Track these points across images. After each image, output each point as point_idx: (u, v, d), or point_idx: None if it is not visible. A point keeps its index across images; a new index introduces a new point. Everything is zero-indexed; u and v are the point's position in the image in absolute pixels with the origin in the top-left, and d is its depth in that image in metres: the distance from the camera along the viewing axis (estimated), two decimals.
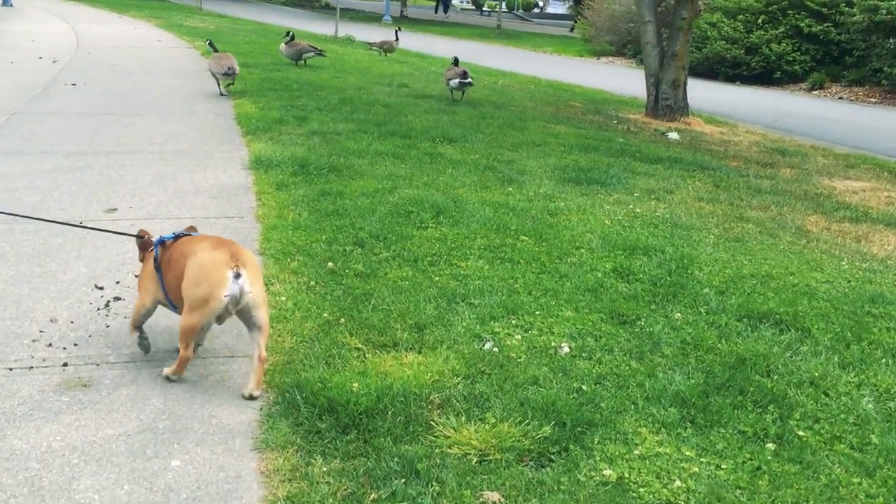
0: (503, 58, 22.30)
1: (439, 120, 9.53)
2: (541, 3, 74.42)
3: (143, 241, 3.45)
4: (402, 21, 39.12)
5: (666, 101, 11.27)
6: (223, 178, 6.51)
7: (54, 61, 13.08)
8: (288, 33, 13.98)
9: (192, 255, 3.08)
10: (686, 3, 10.85)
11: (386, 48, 17.53)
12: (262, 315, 3.07)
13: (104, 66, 12.91)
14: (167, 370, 3.23)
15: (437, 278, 4.43)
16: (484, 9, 67.60)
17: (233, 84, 10.84)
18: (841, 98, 18.50)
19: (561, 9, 64.99)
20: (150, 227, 5.08)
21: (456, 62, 11.74)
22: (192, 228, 3.55)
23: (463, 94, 11.40)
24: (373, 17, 38.42)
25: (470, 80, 11.29)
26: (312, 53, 13.88)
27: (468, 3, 79.51)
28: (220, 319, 3.11)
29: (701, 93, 17.10)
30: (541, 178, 6.88)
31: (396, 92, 11.74)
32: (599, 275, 4.57)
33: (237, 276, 2.95)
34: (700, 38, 21.47)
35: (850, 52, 19.76)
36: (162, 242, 3.33)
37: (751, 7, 21.19)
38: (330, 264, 4.53)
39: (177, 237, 3.35)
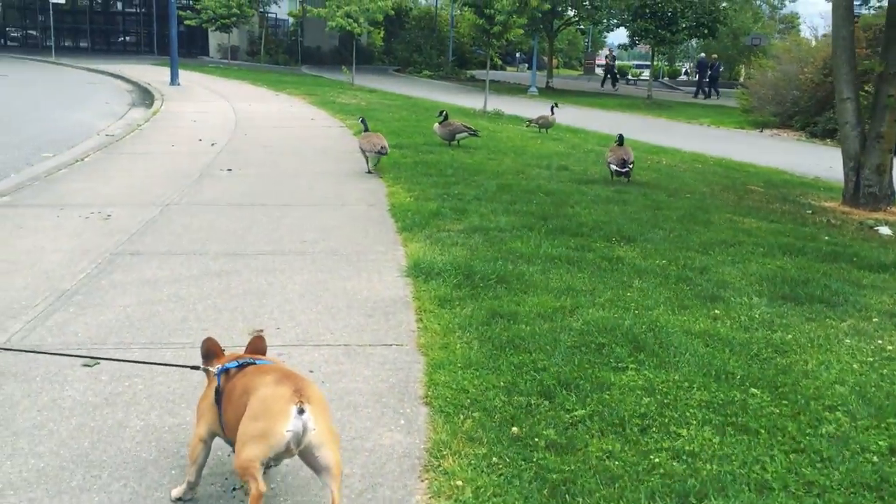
0: (658, 131, 21.17)
1: (610, 212, 8.55)
2: (688, 71, 72.64)
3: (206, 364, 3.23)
4: (547, 92, 38.73)
5: (869, 189, 9.84)
6: (379, 288, 5.75)
7: (213, 144, 13.06)
8: (441, 113, 13.48)
9: (254, 390, 2.85)
10: (893, 79, 9.48)
11: (542, 123, 16.81)
12: (330, 454, 2.77)
13: (258, 149, 12.75)
14: None
15: (653, 456, 3.40)
16: (628, 77, 66.77)
17: (378, 163, 10.85)
18: None
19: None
20: (299, 356, 4.35)
21: (620, 141, 10.82)
22: (259, 338, 3.31)
23: (628, 179, 10.45)
24: (518, 89, 38.19)
25: (627, 169, 10.31)
26: (466, 134, 13.29)
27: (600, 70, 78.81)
28: (277, 459, 2.82)
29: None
30: (748, 295, 5.74)
31: (556, 176, 10.87)
32: (875, 459, 3.40)
33: (301, 411, 2.72)
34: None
35: None
36: (226, 371, 3.09)
37: None
38: (515, 429, 3.59)
39: (241, 366, 3.08)
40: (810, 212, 9.66)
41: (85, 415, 3.76)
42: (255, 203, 8.63)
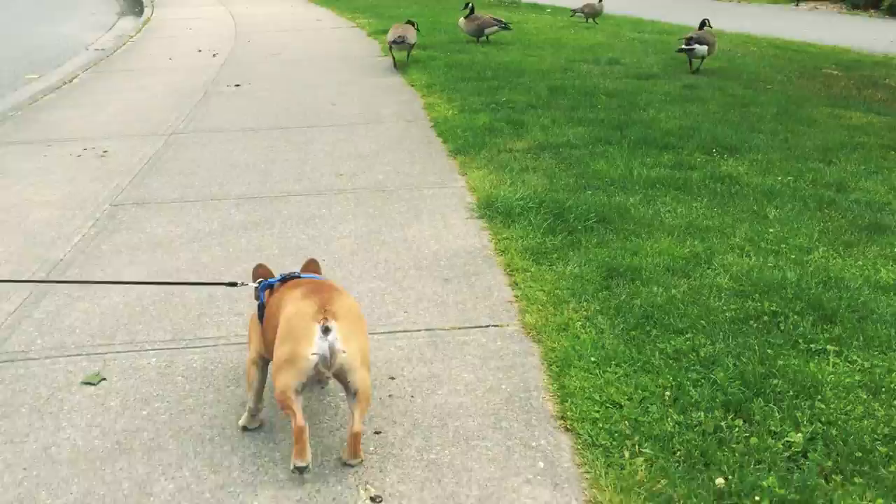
0: (691, 10, 19.33)
1: (690, 113, 7.21)
2: None
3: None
4: None
5: None
6: (448, 238, 4.53)
7: (214, 55, 11.58)
8: (466, 5, 11.87)
9: (283, 308, 2.60)
10: None
11: (588, 12, 15.09)
12: (358, 380, 2.49)
13: (267, 59, 11.27)
14: (293, 460, 2.51)
15: None
16: None
17: (406, 57, 10.10)
18: None
19: None
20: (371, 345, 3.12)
21: (701, 25, 9.46)
22: (313, 263, 3.03)
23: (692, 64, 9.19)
24: None
25: (693, 46, 8.97)
26: (496, 28, 11.72)
27: None
28: (320, 383, 2.81)
29: None
30: None
31: (610, 72, 9.43)
32: None
33: (326, 330, 2.42)
34: None
35: None
36: (269, 286, 2.85)
37: None
38: (719, 480, 2.43)
39: (284, 280, 2.83)
40: None
41: (89, 475, 2.62)
42: (273, 126, 7.30)
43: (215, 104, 8.28)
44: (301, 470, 2.49)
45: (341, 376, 2.50)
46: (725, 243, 4.19)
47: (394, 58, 10.15)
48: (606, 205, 4.76)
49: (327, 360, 2.43)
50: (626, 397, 2.87)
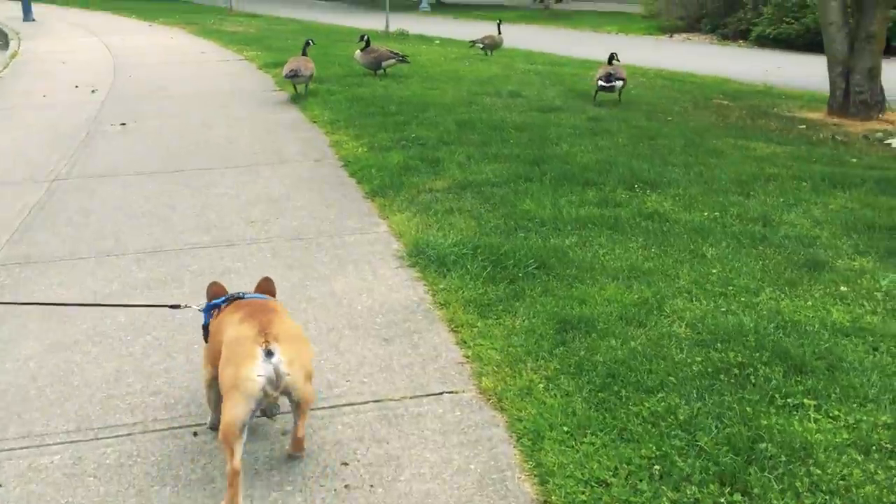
0: (570, 42, 19.78)
1: (602, 147, 7.13)
2: None
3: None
4: (439, 8, 36.65)
5: (860, 95, 8.75)
6: (381, 291, 4.18)
7: (93, 91, 10.82)
8: (362, 37, 11.59)
9: (224, 331, 2.60)
10: None
11: (488, 44, 15.05)
12: (305, 392, 2.55)
13: (152, 94, 10.61)
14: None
15: None
16: None
17: (304, 90, 9.95)
18: None
19: None
20: (311, 431, 2.75)
21: (611, 59, 9.67)
22: (267, 279, 3.02)
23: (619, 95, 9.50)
24: (407, 5, 35.85)
25: (613, 83, 9.02)
26: (394, 60, 11.47)
27: None
28: (266, 411, 2.75)
29: (817, 70, 14.51)
30: (848, 254, 4.47)
31: (513, 105, 9.32)
32: None
33: (268, 353, 2.42)
34: (796, 6, 18.80)
35: None
36: (215, 307, 2.84)
37: None
38: None
39: (229, 300, 2.80)
40: (803, 126, 8.52)
41: None
42: (168, 168, 6.76)
43: (100, 145, 7.64)
44: None
45: (286, 394, 2.54)
46: (672, 287, 4.02)
47: (295, 89, 9.86)
48: (543, 248, 4.52)
49: (273, 381, 2.44)
50: (612, 473, 2.60)
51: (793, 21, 18.91)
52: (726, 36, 21.99)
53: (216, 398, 2.72)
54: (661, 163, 6.53)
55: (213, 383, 2.74)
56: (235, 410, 2.41)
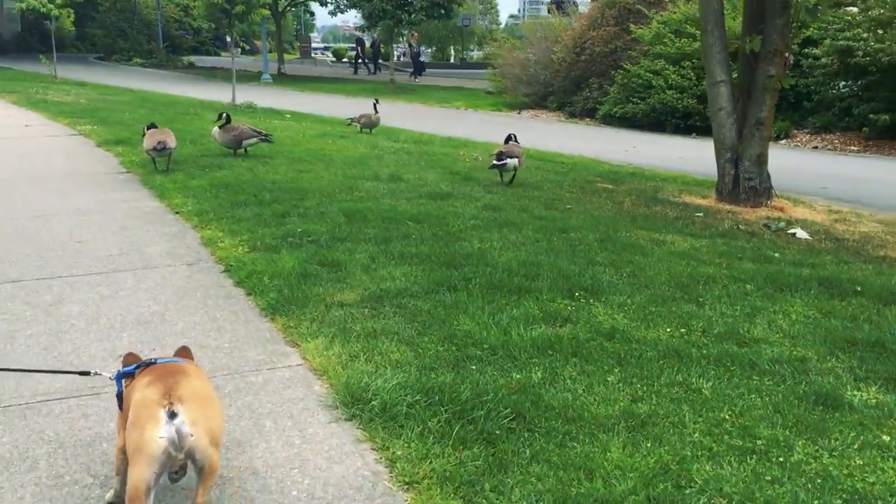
0: (422, 118, 19.46)
1: (513, 241, 6.46)
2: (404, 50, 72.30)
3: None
4: (281, 79, 35.81)
5: (749, 182, 8.65)
6: (318, 463, 3.17)
7: None
8: (221, 115, 10.48)
9: (132, 395, 2.60)
10: (773, 58, 8.29)
11: (365, 123, 14.28)
12: (208, 458, 2.49)
13: None
14: None
15: None
16: (343, 60, 64.35)
17: (166, 162, 9.42)
18: (816, 148, 16.69)
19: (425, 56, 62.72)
20: None
21: (508, 139, 9.56)
22: (185, 349, 3.01)
23: (503, 177, 9.34)
24: (248, 76, 34.69)
25: (505, 161, 8.64)
26: (256, 140, 10.42)
27: (324, 54, 76.18)
28: (172, 476, 2.69)
29: (673, 150, 14.86)
30: (853, 385, 3.92)
31: (398, 191, 8.54)
32: None
33: (172, 415, 2.40)
34: (641, 87, 19.44)
35: (808, 97, 18.15)
36: (127, 374, 2.79)
37: (696, 53, 19.26)
38: None
39: (140, 367, 2.77)
40: (700, 214, 8.25)
41: None
42: (1, 280, 5.40)
43: None
44: None
45: (190, 456, 2.47)
46: (685, 442, 3.27)
47: (154, 164, 9.24)
48: (509, 390, 3.67)
49: (175, 443, 2.40)
50: None
51: (639, 101, 19.48)
52: (573, 114, 22.47)
53: (125, 467, 2.57)
54: (587, 262, 5.90)
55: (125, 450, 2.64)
56: (140, 474, 2.39)
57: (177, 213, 7.35)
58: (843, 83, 17.06)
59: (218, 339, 4.42)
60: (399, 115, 20.31)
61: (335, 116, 18.70)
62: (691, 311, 4.89)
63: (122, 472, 2.67)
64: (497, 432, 3.29)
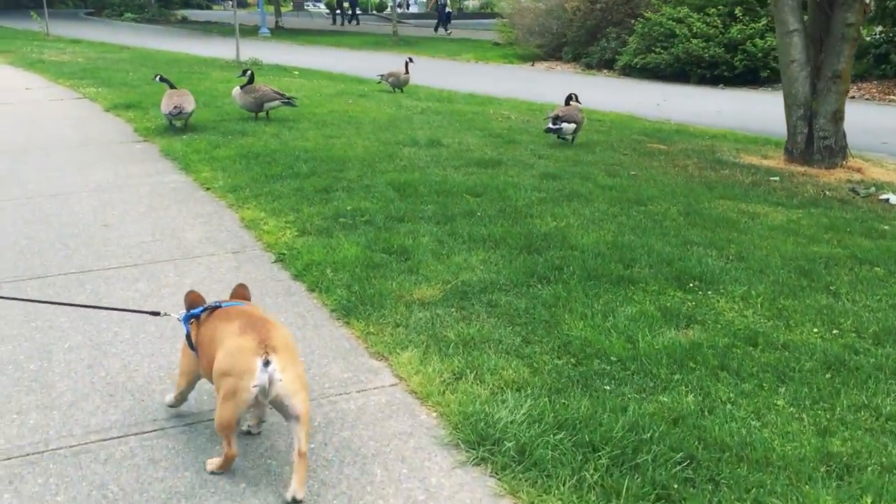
0: (437, 72, 18.51)
1: (589, 218, 5.77)
2: (398, 2, 70.29)
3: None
4: (279, 32, 34.64)
5: (825, 141, 7.92)
6: None
7: None
8: (245, 72, 9.66)
9: (220, 341, 2.71)
10: (852, 3, 7.49)
11: (393, 82, 13.44)
12: (299, 403, 2.61)
13: None
14: (211, 463, 2.78)
15: None
16: (337, 12, 62.39)
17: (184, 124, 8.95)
18: (853, 97, 15.84)
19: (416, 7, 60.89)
20: None
21: (569, 100, 8.90)
22: (242, 286, 3.16)
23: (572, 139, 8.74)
24: (244, 30, 33.46)
25: (560, 126, 8.40)
26: (278, 102, 9.62)
27: (316, 5, 74.13)
28: (254, 410, 2.86)
29: (706, 103, 14.01)
30: None
31: (444, 158, 7.80)
32: None
33: (266, 363, 2.56)
34: (663, 36, 18.51)
35: None
36: (194, 318, 2.93)
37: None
38: None
39: (211, 309, 2.92)
40: (776, 179, 7.53)
41: None
42: (18, 275, 4.69)
43: None
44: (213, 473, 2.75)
45: (279, 403, 2.61)
46: None
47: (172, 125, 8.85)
48: (663, 419, 3.01)
49: (266, 389, 2.56)
50: None
51: (661, 51, 18.59)
52: (590, 65, 21.56)
53: (187, 391, 3.05)
54: (682, 242, 5.21)
55: (188, 390, 3.05)
56: (231, 412, 2.60)
57: (207, 188, 6.61)
58: (879, 28, 16.21)
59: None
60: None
61: (345, 73, 17.82)
62: (828, 303, 4.21)
63: (183, 389, 3.05)
64: (674, 486, 2.63)
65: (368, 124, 9.68)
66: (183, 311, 2.99)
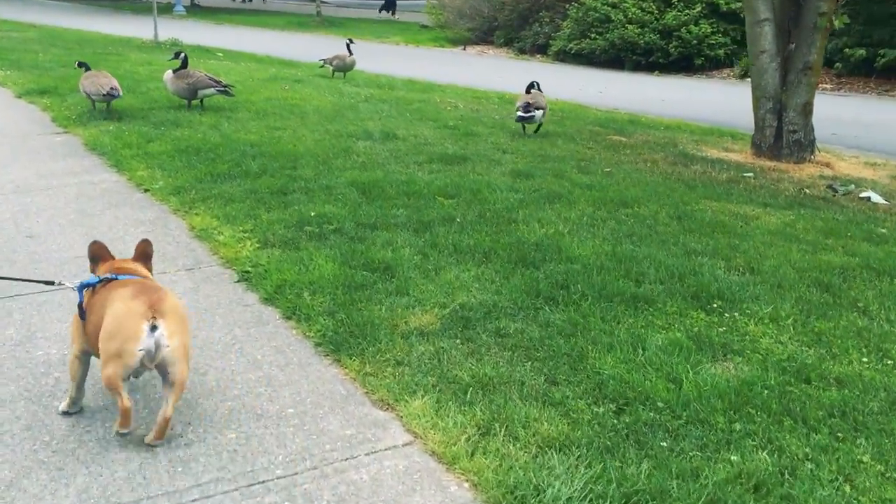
0: (369, 56, 17.58)
1: (572, 221, 5.30)
2: None
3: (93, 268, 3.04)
4: (195, 11, 33.14)
5: (794, 135, 7.65)
6: None
7: None
8: (179, 54, 8.78)
9: (109, 305, 2.71)
10: None
11: (337, 66, 12.63)
12: (179, 371, 2.71)
13: None
14: (115, 425, 2.77)
15: None
16: None
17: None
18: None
19: None
20: None
21: (528, 88, 8.42)
22: (146, 241, 3.20)
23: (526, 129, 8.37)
24: (161, 8, 31.74)
25: (532, 114, 8.08)
26: (213, 91, 8.79)
27: None
28: (137, 373, 2.75)
29: (646, 91, 13.82)
30: None
31: (403, 153, 7.20)
32: None
33: (153, 328, 2.63)
34: (598, 21, 18.23)
35: None
36: (87, 286, 2.88)
37: None
38: None
39: (105, 281, 2.86)
40: (750, 175, 7.21)
41: None
42: None
43: None
44: (123, 435, 2.75)
45: (163, 368, 2.68)
46: None
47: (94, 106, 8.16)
48: (741, 487, 2.54)
49: (153, 353, 2.63)
50: None
51: (596, 37, 18.30)
52: (523, 50, 21.17)
53: (82, 374, 2.89)
54: (684, 252, 4.78)
55: (84, 357, 2.88)
56: (115, 372, 2.63)
57: (146, 190, 5.86)
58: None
59: (273, 397, 3.12)
60: (330, 49, 18.65)
61: (272, 55, 16.89)
62: (865, 325, 3.84)
63: (79, 380, 2.89)
64: None
65: (313, 114, 8.97)
66: (78, 281, 2.96)
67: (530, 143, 8.01)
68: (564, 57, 19.58)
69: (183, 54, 8.72)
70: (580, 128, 9.37)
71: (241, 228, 4.97)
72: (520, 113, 8.08)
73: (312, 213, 5.20)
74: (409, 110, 9.74)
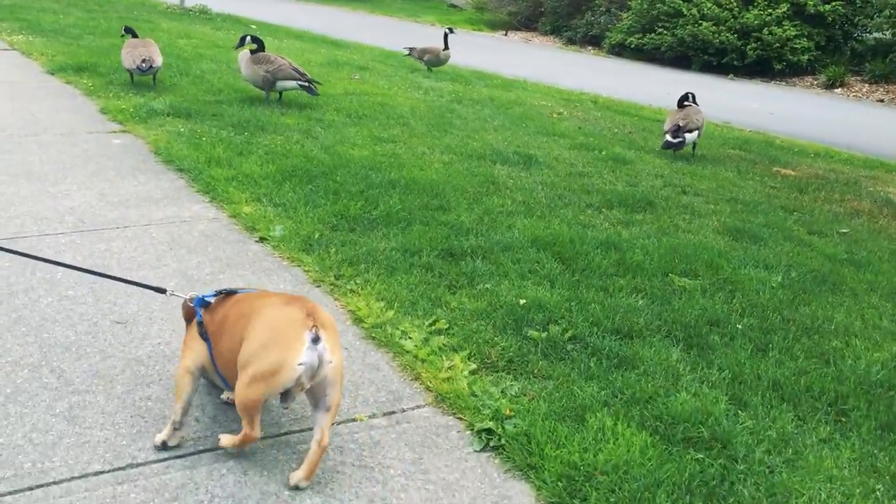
0: (407, 37, 15.97)
1: (884, 330, 3.67)
2: None
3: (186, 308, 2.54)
4: None
5: None
6: None
7: None
8: (247, 38, 7.01)
9: (256, 313, 2.26)
10: None
11: (428, 61, 10.77)
12: (336, 394, 2.24)
13: None
14: (225, 439, 2.33)
15: None
16: None
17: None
18: (882, 101, 14.37)
19: None
20: None
21: (683, 100, 7.04)
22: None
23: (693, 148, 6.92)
24: None
25: (680, 139, 6.75)
26: (295, 84, 7.03)
27: None
28: (285, 396, 2.22)
29: (739, 99, 11.96)
30: None
31: (561, 188, 5.56)
32: None
33: (315, 339, 2.14)
34: (667, 15, 16.53)
35: (859, 40, 15.77)
36: (205, 304, 2.46)
37: None
38: None
39: (225, 294, 2.47)
40: None
41: None
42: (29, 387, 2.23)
43: None
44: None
45: (320, 389, 2.22)
46: None
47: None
48: None
49: (314, 370, 2.16)
50: None
51: (664, 32, 16.60)
52: (573, 40, 19.42)
53: (191, 392, 2.39)
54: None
55: (196, 372, 2.41)
56: (260, 392, 2.17)
57: (261, 238, 4.15)
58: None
59: None
60: (371, 29, 16.84)
61: (311, 31, 15.04)
62: None
63: (186, 398, 2.37)
64: None
65: (412, 118, 7.27)
66: (192, 294, 2.51)
67: (698, 176, 6.37)
68: (621, 51, 17.89)
69: (249, 37, 6.97)
70: (716, 150, 7.74)
71: (430, 325, 3.31)
72: (668, 138, 6.80)
73: (521, 302, 3.55)
74: (514, 117, 8.07)
